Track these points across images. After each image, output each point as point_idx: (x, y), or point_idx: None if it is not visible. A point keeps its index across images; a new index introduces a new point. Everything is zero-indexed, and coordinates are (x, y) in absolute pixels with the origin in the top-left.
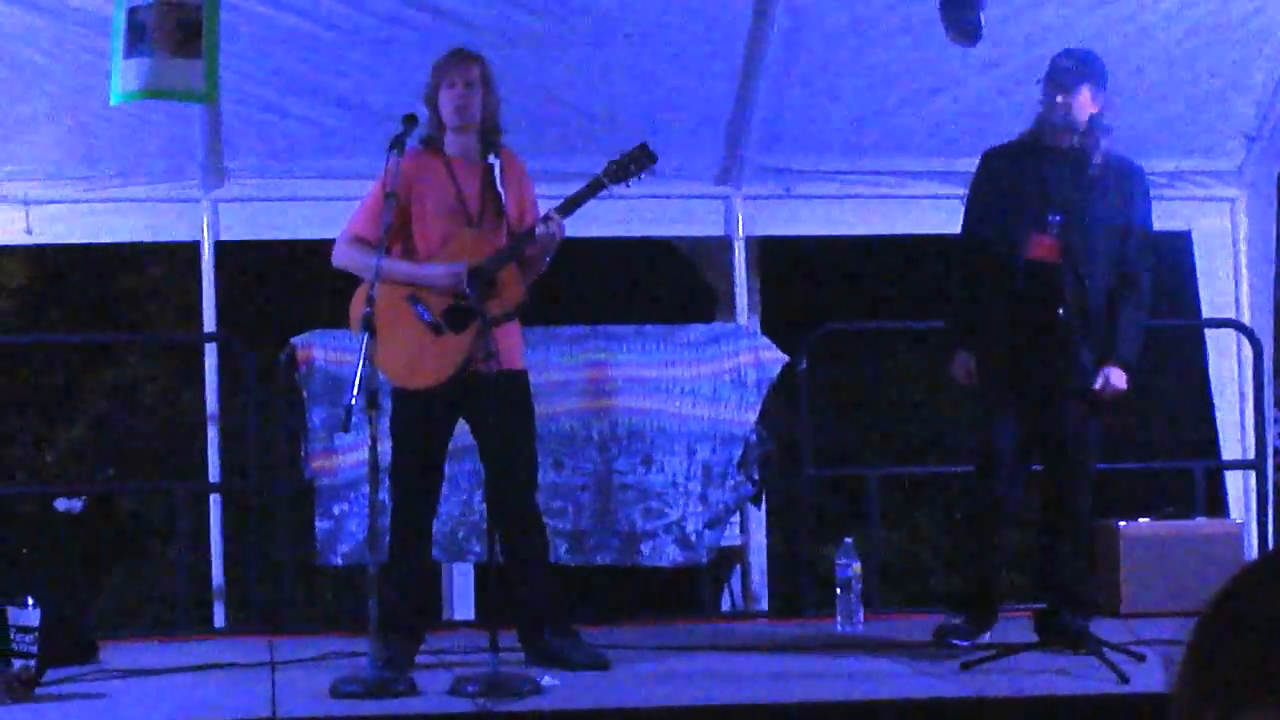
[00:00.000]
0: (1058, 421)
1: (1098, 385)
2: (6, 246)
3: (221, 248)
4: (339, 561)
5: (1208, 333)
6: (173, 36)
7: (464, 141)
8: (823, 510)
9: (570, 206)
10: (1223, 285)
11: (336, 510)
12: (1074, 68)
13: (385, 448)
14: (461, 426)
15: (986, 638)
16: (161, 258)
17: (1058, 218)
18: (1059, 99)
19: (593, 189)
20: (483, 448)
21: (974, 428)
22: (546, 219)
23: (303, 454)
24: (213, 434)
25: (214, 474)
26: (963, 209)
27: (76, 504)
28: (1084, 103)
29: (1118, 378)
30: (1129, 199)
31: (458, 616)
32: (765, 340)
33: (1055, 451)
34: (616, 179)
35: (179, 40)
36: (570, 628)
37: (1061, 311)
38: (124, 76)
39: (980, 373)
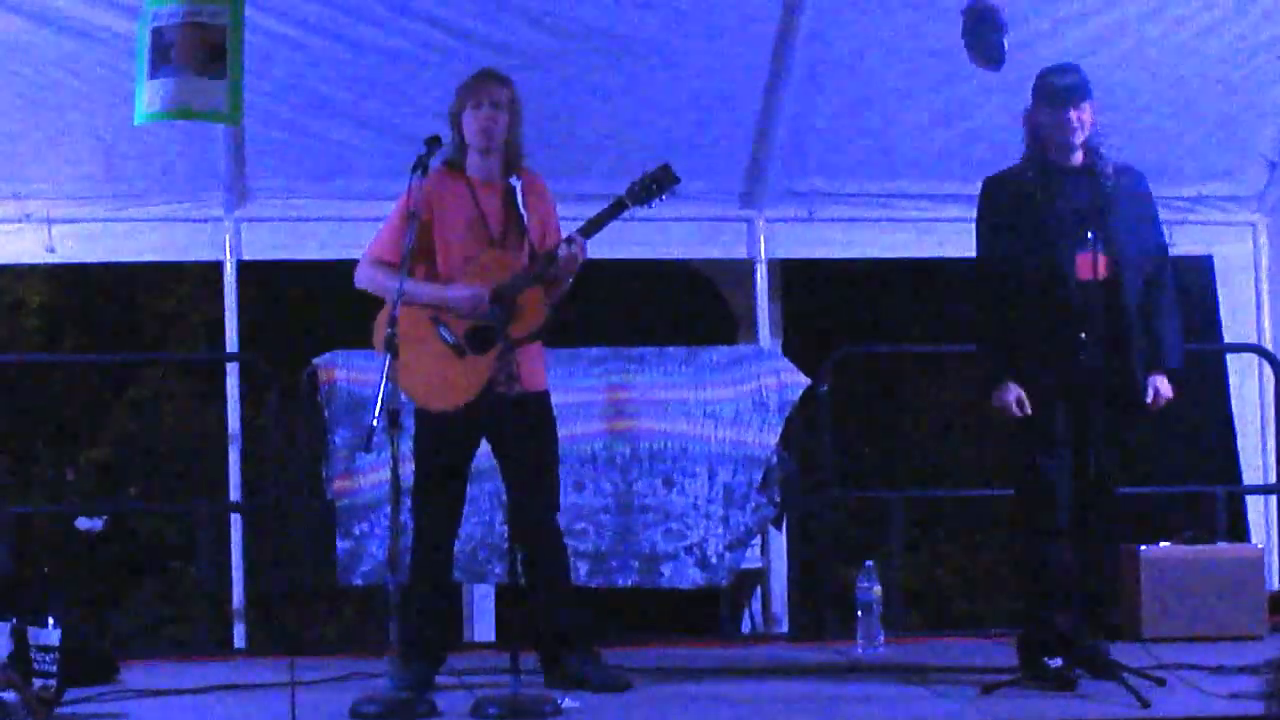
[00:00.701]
0: (1089, 444)
1: (1149, 399)
2: (30, 265)
3: (244, 267)
4: (359, 582)
5: (1229, 357)
6: (197, 57)
7: (487, 163)
8: (844, 533)
9: (593, 228)
10: (1244, 310)
11: (357, 530)
12: (1077, 84)
13: (407, 468)
14: (483, 447)
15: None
16: (184, 277)
17: (1093, 235)
18: (1072, 116)
19: (615, 210)
20: (505, 469)
21: (1021, 460)
22: (569, 241)
23: (324, 474)
24: (234, 454)
25: (235, 494)
26: (977, 238)
27: (97, 523)
28: (1088, 117)
29: (1166, 387)
30: (1145, 204)
31: (478, 637)
32: (787, 362)
33: (1085, 473)
34: (639, 200)
35: (203, 61)
36: (591, 649)
37: (1084, 335)
38: (148, 97)
39: (1031, 402)
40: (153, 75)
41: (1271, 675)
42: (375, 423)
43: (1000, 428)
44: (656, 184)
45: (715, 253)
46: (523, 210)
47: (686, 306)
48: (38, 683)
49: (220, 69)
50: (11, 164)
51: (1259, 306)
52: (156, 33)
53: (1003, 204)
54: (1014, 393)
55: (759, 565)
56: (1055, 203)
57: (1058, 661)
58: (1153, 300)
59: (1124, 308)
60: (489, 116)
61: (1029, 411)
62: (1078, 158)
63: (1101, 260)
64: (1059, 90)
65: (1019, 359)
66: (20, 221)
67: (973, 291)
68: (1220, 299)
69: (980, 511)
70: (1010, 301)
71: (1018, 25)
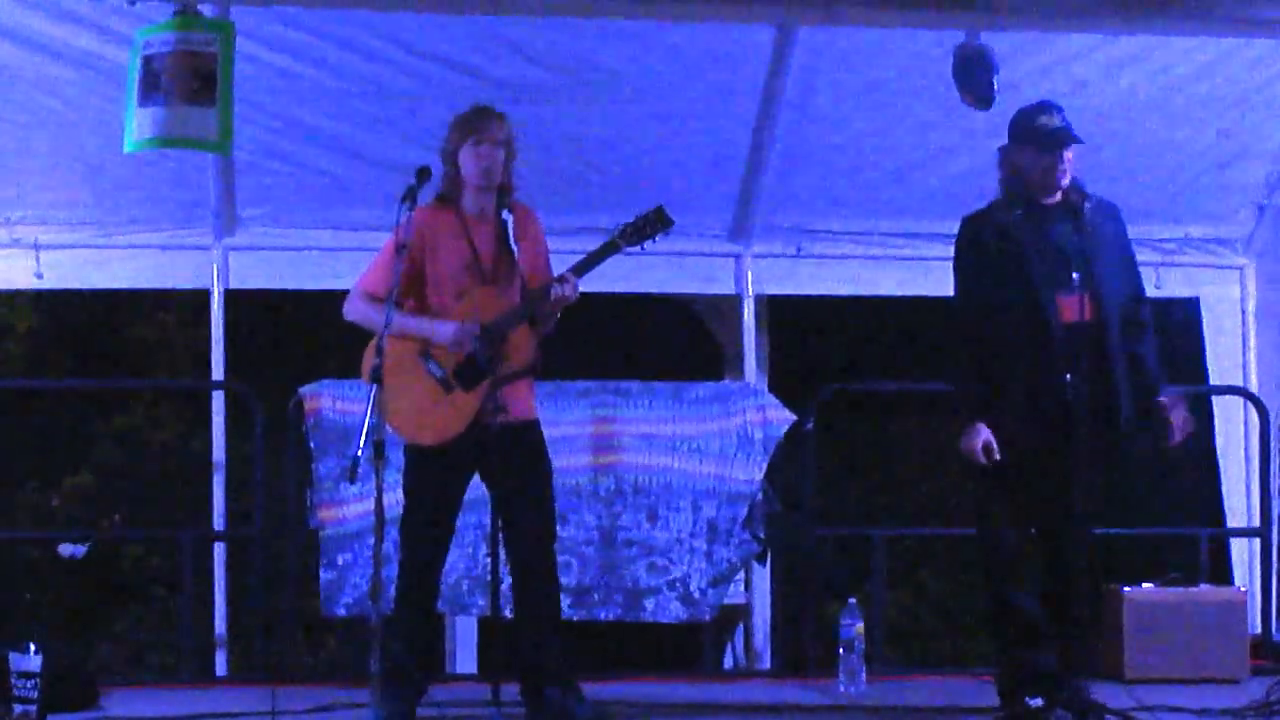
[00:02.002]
0: (1068, 484)
1: (1177, 438)
2: (17, 290)
3: (232, 296)
4: (342, 612)
5: (1215, 399)
6: (187, 86)
7: (480, 198)
8: (827, 570)
9: (585, 268)
10: (1230, 352)
11: (341, 560)
12: (1066, 126)
13: (391, 499)
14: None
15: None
16: (172, 305)
17: (1077, 276)
18: (1064, 158)
19: (607, 251)
20: (500, 501)
21: (980, 515)
22: (562, 279)
23: (309, 503)
24: (218, 482)
25: (219, 522)
26: (955, 278)
27: (80, 550)
28: (1067, 160)
29: (1181, 412)
30: (1123, 243)
31: (460, 669)
32: (773, 399)
33: (1063, 516)
34: (632, 242)
35: (193, 90)
36: (573, 682)
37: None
38: (138, 125)
39: (1003, 448)
40: (142, 103)
41: (1255, 717)
42: (360, 453)
43: (964, 472)
44: (650, 226)
45: (703, 288)
46: (514, 244)
47: (673, 341)
48: (18, 709)
49: (210, 98)
50: (0, 189)
51: (1245, 349)
52: (147, 61)
53: (983, 243)
54: (983, 437)
55: (742, 601)
56: (1039, 243)
57: (1039, 701)
58: (1133, 338)
59: (1109, 347)
60: (490, 154)
61: (997, 458)
62: (1057, 195)
63: (1086, 301)
64: (1050, 133)
65: (999, 402)
66: (8, 247)
67: (949, 332)
68: (1206, 341)
69: (964, 550)
70: (991, 343)
71: (1005, 66)
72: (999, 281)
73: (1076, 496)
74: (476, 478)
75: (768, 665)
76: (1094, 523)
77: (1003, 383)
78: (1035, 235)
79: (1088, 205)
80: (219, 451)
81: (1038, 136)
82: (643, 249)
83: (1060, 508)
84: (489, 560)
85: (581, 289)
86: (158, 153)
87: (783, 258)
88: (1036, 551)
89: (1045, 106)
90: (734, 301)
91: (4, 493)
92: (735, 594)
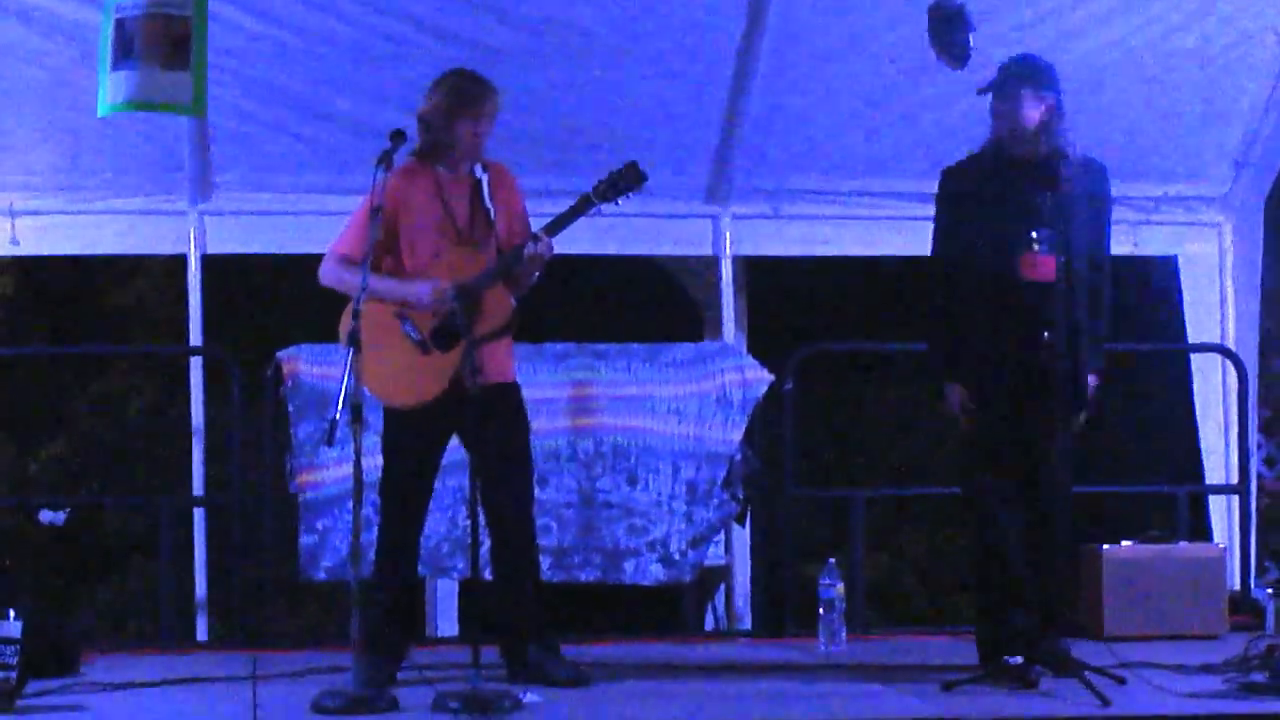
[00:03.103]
0: (1044, 442)
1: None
2: None
3: (208, 261)
4: (322, 576)
5: (1193, 357)
6: (160, 49)
7: (459, 161)
8: (807, 530)
9: (559, 226)
10: (1209, 310)
11: (320, 525)
12: (1012, 73)
13: (370, 463)
14: (449, 441)
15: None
16: (148, 270)
17: (1045, 233)
18: (1002, 107)
19: (581, 208)
20: (479, 462)
21: (967, 467)
22: (535, 238)
23: (288, 468)
24: (197, 448)
25: (198, 488)
26: (933, 233)
27: (60, 516)
28: (1026, 108)
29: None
30: (1101, 207)
31: (441, 632)
32: (751, 359)
33: (1039, 472)
34: (605, 198)
35: (167, 53)
36: (553, 644)
37: (1047, 335)
38: (111, 88)
39: (975, 404)
40: (116, 67)
41: (1234, 673)
42: (337, 417)
43: (947, 431)
44: (623, 182)
45: (680, 249)
46: (489, 204)
47: (651, 303)
48: None
49: (184, 61)
50: None
51: (1223, 307)
52: (120, 24)
53: (958, 195)
54: (956, 394)
55: (722, 562)
56: (1006, 197)
57: (1018, 659)
58: (1082, 304)
59: (1073, 308)
60: (487, 130)
61: (972, 411)
62: (1032, 150)
63: (1053, 261)
64: (1002, 80)
65: (970, 359)
66: None
67: (923, 290)
68: (1185, 299)
69: (943, 509)
70: (962, 300)
71: (984, 23)
72: (969, 236)
73: (1053, 456)
74: (457, 441)
75: (748, 626)
76: (1071, 481)
77: (973, 340)
78: (1003, 189)
79: (1067, 163)
80: (198, 417)
81: (997, 84)
82: (617, 204)
83: (1038, 467)
84: (469, 523)
85: (561, 251)
86: (133, 118)
87: (760, 218)
88: (1017, 510)
89: (1014, 57)
90: (712, 263)
91: None
92: (716, 555)
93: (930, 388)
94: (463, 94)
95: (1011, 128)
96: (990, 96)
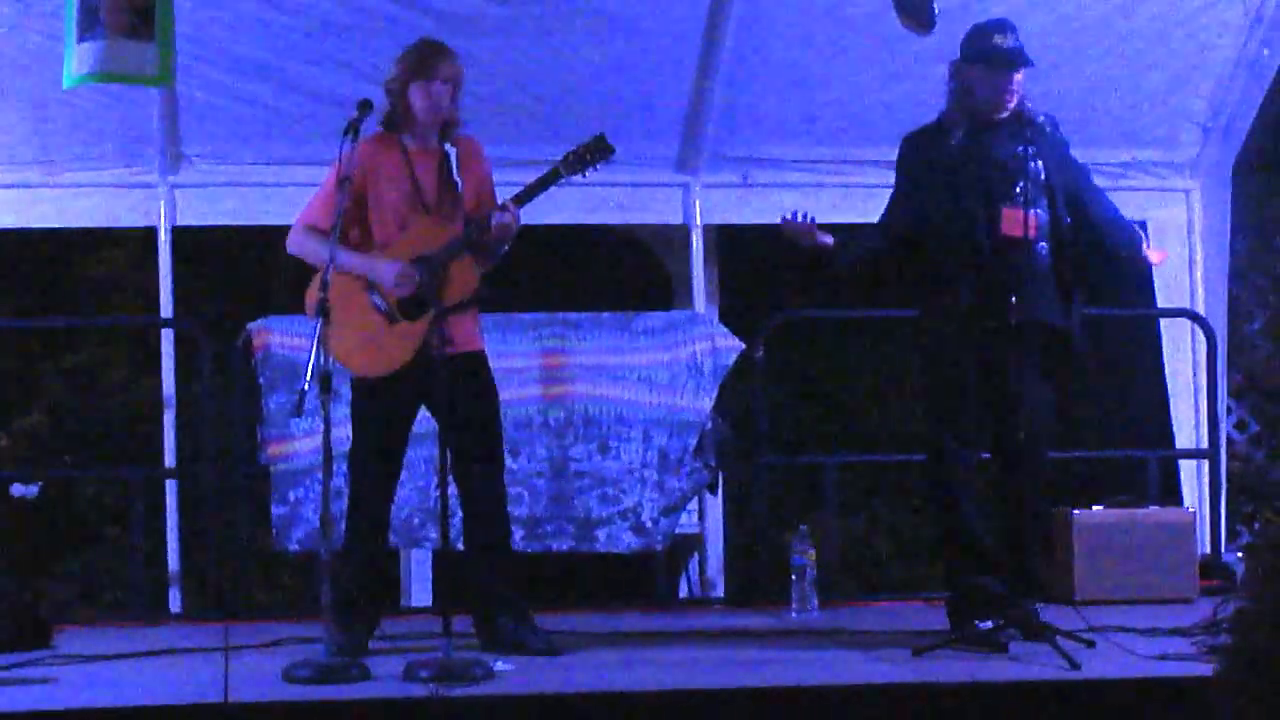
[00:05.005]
0: (1015, 403)
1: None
2: None
3: (179, 233)
4: (294, 547)
5: (1163, 323)
6: (125, 20)
7: (425, 132)
8: (779, 498)
9: (527, 197)
10: (1178, 276)
11: (292, 496)
12: (1018, 46)
13: (340, 433)
14: (421, 413)
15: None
16: (118, 243)
17: (1019, 187)
18: (1014, 78)
19: (549, 179)
20: (447, 431)
21: (930, 439)
22: (503, 208)
23: (259, 439)
24: (169, 420)
25: (170, 460)
26: (890, 195)
27: (32, 489)
28: (1017, 84)
29: None
30: (1064, 152)
31: (415, 603)
32: (722, 328)
33: (1010, 436)
34: (573, 170)
35: (131, 24)
36: (525, 613)
37: (1015, 299)
38: (77, 60)
39: (939, 361)
40: (81, 38)
41: (1203, 636)
42: (306, 387)
43: (914, 396)
44: (591, 154)
45: (651, 218)
46: (457, 176)
47: (622, 272)
48: None
49: (149, 31)
50: None
51: (1191, 272)
52: None
53: (924, 159)
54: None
55: (695, 530)
56: (982, 158)
57: (989, 624)
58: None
59: (1053, 265)
60: (440, 93)
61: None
62: (1005, 113)
63: (1029, 217)
64: (1001, 53)
65: (940, 321)
66: None
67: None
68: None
69: (915, 477)
70: (931, 259)
71: None
72: (938, 196)
73: (1025, 417)
74: (427, 412)
75: (721, 594)
76: (1046, 444)
77: (943, 299)
78: (979, 150)
79: (1033, 122)
80: (169, 389)
81: (988, 55)
82: (584, 176)
83: (1010, 429)
84: (439, 493)
85: (532, 221)
86: (102, 91)
87: (731, 187)
88: (988, 474)
89: (1001, 25)
90: (683, 231)
91: None
92: (688, 524)
93: (903, 354)
94: (415, 59)
95: (1003, 100)
96: (962, 60)
